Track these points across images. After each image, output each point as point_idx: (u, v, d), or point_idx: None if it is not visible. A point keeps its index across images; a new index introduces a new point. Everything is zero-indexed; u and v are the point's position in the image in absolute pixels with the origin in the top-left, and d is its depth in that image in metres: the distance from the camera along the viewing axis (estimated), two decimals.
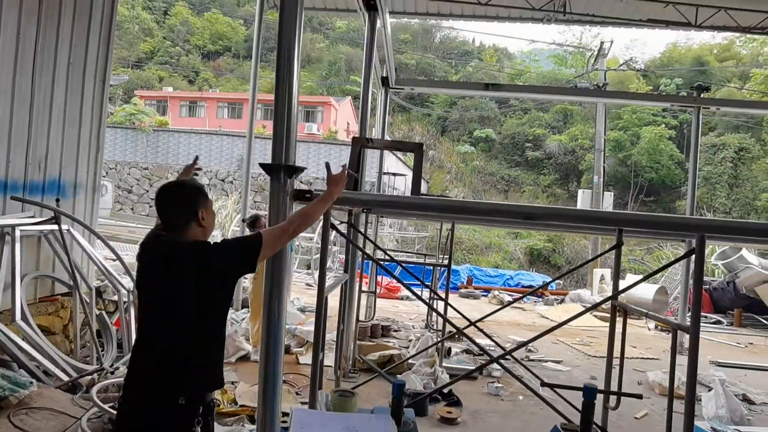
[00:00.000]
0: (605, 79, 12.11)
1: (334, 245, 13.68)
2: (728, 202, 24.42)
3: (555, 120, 32.42)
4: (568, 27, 29.55)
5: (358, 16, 6.16)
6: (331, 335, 5.65)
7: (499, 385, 5.65)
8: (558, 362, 7.21)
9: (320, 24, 43.64)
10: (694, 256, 2.70)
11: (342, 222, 3.93)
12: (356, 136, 3.02)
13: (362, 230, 6.87)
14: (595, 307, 3.21)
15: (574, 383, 6.27)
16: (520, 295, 13.26)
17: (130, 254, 10.12)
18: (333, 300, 3.51)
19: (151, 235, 2.19)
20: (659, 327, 10.30)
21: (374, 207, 3.05)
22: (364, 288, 6.96)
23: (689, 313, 11.73)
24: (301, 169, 2.46)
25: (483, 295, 13.26)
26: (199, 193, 2.10)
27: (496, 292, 12.91)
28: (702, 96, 8.24)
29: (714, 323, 11.61)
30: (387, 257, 6.11)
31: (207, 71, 41.34)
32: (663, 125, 26.66)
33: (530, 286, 13.76)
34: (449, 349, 6.99)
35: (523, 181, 30.83)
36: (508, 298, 12.45)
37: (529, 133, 31.90)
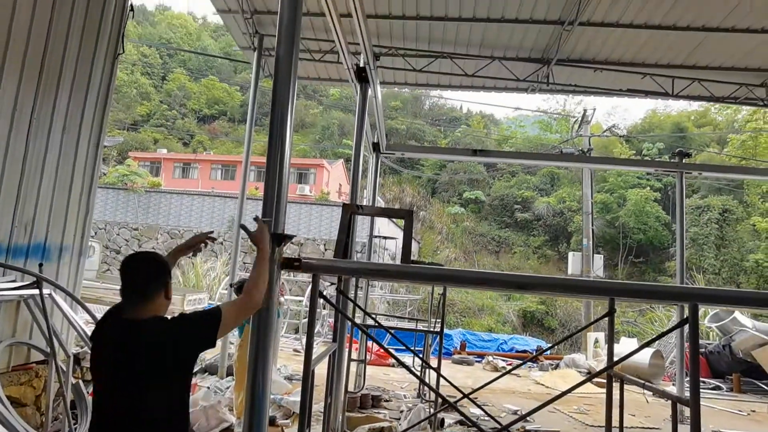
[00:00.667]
0: (590, 145, 12.52)
1: (324, 308, 13.44)
2: (717, 262, 24.59)
3: (542, 183, 33.12)
4: (551, 95, 30.94)
5: (351, 84, 6.39)
6: (318, 406, 5.41)
7: None
8: None
9: (314, 91, 45.29)
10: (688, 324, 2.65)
11: (332, 284, 3.87)
12: (346, 203, 3.04)
13: (353, 292, 6.77)
14: (592, 378, 3.11)
15: None
16: (517, 361, 12.97)
17: None
18: (321, 368, 3.38)
19: (107, 314, 2.13)
20: (655, 394, 10.00)
21: (364, 276, 3.01)
22: (354, 356, 6.75)
23: (687, 378, 11.47)
24: (290, 237, 2.43)
25: (477, 361, 12.92)
26: (167, 267, 2.12)
27: (490, 358, 12.60)
28: (684, 161, 8.49)
29: (713, 389, 11.32)
30: (376, 324, 5.96)
31: (202, 134, 42.24)
32: (648, 188, 27.31)
33: (524, 351, 13.47)
34: (442, 421, 6.70)
35: (513, 242, 30.97)
36: (502, 364, 12.15)
37: (518, 195, 32.46)
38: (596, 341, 13.03)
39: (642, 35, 7.95)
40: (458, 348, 13.61)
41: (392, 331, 4.54)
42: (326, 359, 3.42)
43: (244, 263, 19.88)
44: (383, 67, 9.11)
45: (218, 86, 45.47)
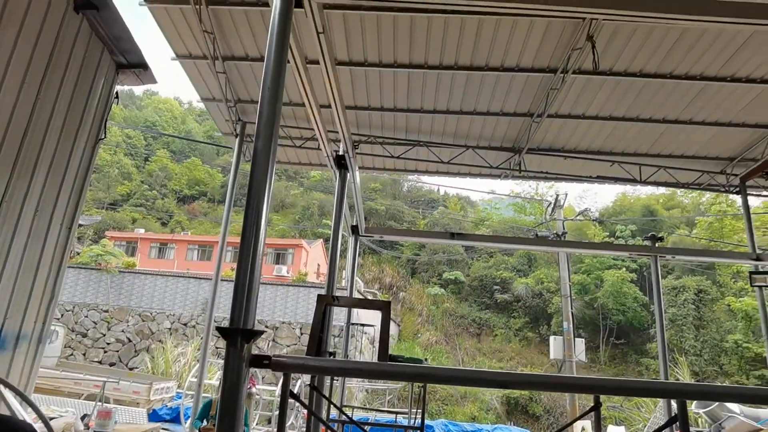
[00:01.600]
0: (564, 229, 12.82)
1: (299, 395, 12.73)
2: (697, 344, 24.52)
3: (520, 263, 33.40)
4: (524, 180, 32.10)
5: (331, 169, 6.51)
6: None
7: None
8: None
9: (295, 173, 46.21)
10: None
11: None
12: (321, 294, 2.95)
13: (328, 385, 6.44)
14: None
15: None
16: None
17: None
18: None
19: None
20: None
21: (338, 374, 2.85)
22: None
23: None
24: (260, 333, 2.32)
25: None
26: None
27: None
28: (657, 245, 8.68)
29: None
30: (350, 420, 5.62)
31: (181, 214, 42.13)
32: (624, 269, 27.73)
33: None
34: None
35: (494, 324, 30.57)
36: None
37: (497, 275, 32.55)
38: (583, 430, 12.49)
39: (608, 126, 8.42)
40: None
41: (368, 429, 4.25)
42: None
43: (217, 348, 19.04)
44: (362, 154, 9.38)
45: (200, 168, 46.13)
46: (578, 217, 20.70)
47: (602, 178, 9.66)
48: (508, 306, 31.09)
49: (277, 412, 11.71)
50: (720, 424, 11.52)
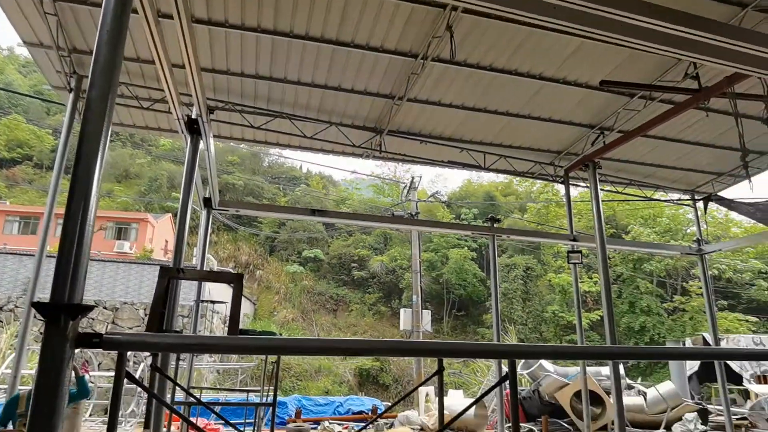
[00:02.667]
0: (417, 209, 13.61)
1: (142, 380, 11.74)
2: (524, 314, 28.03)
3: (376, 242, 34.68)
4: (384, 162, 33.22)
5: (182, 134, 5.99)
6: None
7: None
8: None
9: (142, 140, 41.82)
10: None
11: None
12: (165, 265, 2.69)
13: (174, 365, 6.02)
14: None
15: None
16: (353, 423, 12.77)
17: None
18: None
19: None
20: None
21: (182, 351, 2.66)
22: None
23: (508, 425, 12.49)
24: (89, 308, 2.04)
25: (313, 428, 12.41)
26: None
27: (327, 423, 12.21)
28: (495, 226, 9.64)
29: None
30: (198, 401, 5.34)
31: None
32: (466, 248, 30.40)
33: (360, 412, 13.36)
34: None
35: (350, 300, 31.42)
36: (338, 429, 11.85)
37: (355, 253, 33.37)
38: (427, 395, 13.54)
39: (460, 114, 9.02)
40: (293, 416, 12.95)
41: (217, 409, 4.07)
42: None
43: (41, 333, 16.63)
44: (218, 121, 8.81)
45: (23, 127, 39.23)
46: (430, 199, 22.15)
47: (453, 163, 10.37)
48: (364, 282, 32.16)
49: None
50: (539, 382, 13.37)
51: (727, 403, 10.77)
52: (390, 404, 16.19)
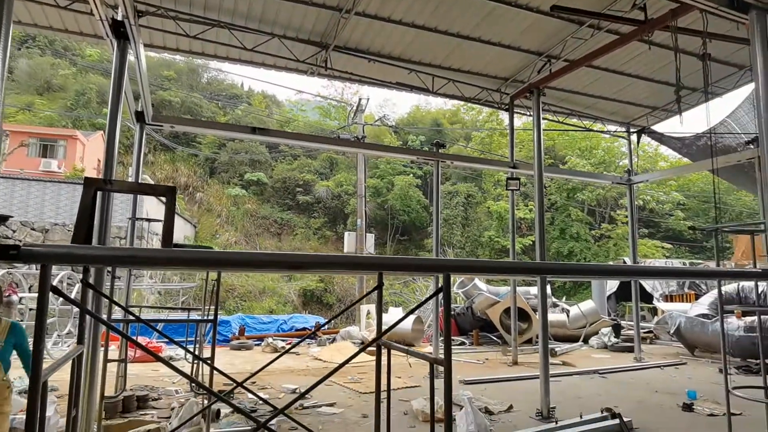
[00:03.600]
0: (363, 132, 13.40)
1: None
2: (462, 239, 29.20)
3: (322, 167, 34.26)
4: (330, 82, 32.09)
5: (107, 40, 5.44)
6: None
7: None
8: (332, 405, 7.24)
9: (65, 48, 37.80)
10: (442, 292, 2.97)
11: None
12: (90, 176, 2.52)
13: (109, 285, 5.87)
14: (364, 349, 3.30)
15: (347, 427, 6.36)
16: (297, 340, 13.19)
17: None
18: (67, 374, 2.82)
19: None
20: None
21: (109, 263, 2.57)
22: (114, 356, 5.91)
23: (442, 338, 13.35)
24: (4, 219, 1.89)
25: (257, 345, 12.75)
26: None
27: (270, 340, 12.55)
28: (440, 151, 9.71)
29: (459, 345, 13.43)
30: (136, 318, 5.28)
31: None
32: (411, 175, 30.70)
33: (304, 329, 13.81)
34: (218, 412, 6.38)
35: (295, 224, 31.38)
36: (281, 344, 12.22)
37: (300, 178, 32.90)
38: (368, 313, 14.13)
39: (410, 33, 8.71)
40: (237, 333, 13.20)
41: (160, 327, 4.05)
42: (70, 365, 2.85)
43: None
44: (149, 28, 8.07)
45: None
46: (377, 123, 21.87)
47: (401, 85, 10.15)
48: (309, 207, 32.04)
49: (52, 319, 10.30)
50: (472, 299, 14.21)
51: (637, 318, 11.97)
52: (330, 319, 16.80)
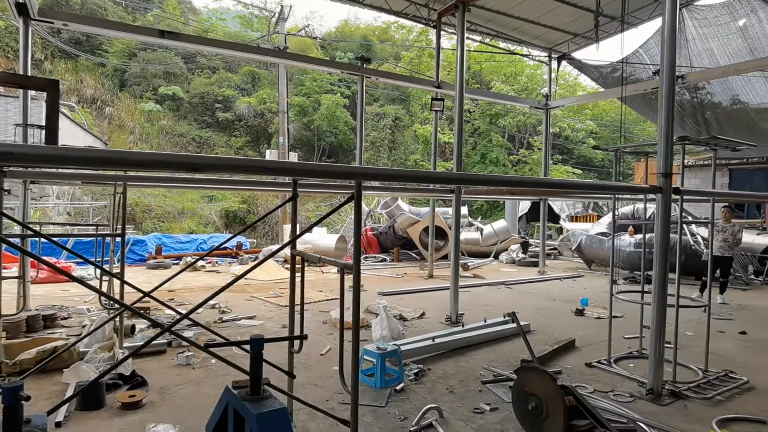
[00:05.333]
0: (285, 43, 12.64)
1: None
2: (389, 162, 29.38)
3: (244, 82, 32.32)
4: None
5: None
6: None
7: (189, 353, 5.40)
8: (251, 318, 7.37)
9: None
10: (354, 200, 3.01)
11: None
12: None
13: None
14: (272, 255, 3.33)
15: (266, 335, 6.54)
16: (217, 259, 13.03)
17: None
18: None
19: None
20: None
21: None
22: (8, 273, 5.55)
23: (365, 255, 13.74)
24: None
25: (175, 264, 12.47)
26: None
27: (189, 259, 12.31)
28: (365, 66, 9.44)
29: (381, 261, 13.94)
30: (35, 233, 4.93)
31: None
32: (339, 94, 29.82)
33: (225, 248, 13.64)
34: (132, 327, 6.30)
35: (215, 143, 29.92)
36: (201, 263, 12.05)
37: (219, 93, 30.93)
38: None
39: None
40: (153, 253, 12.81)
41: (58, 240, 3.80)
42: None
43: None
44: None
45: None
46: (300, 34, 20.66)
47: None
48: (230, 125, 30.50)
49: None
50: (394, 219, 14.61)
51: (543, 236, 12.95)
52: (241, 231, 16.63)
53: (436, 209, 13.05)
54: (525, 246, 14.99)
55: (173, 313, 5.30)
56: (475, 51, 22.06)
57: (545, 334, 6.83)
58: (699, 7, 11.71)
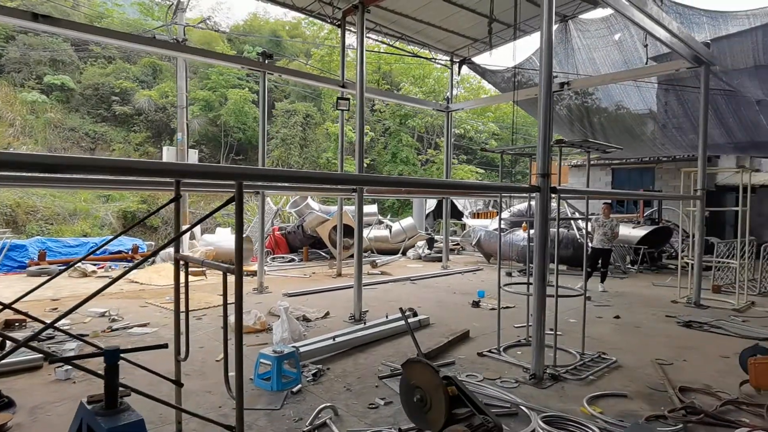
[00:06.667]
0: (185, 35, 12.01)
1: None
2: (300, 160, 28.99)
3: (144, 74, 30.28)
4: None
5: None
6: None
7: (68, 367, 4.99)
8: (144, 325, 6.96)
9: None
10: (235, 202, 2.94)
11: None
12: None
13: None
14: (148, 258, 3.15)
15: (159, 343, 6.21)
16: (111, 263, 12.15)
17: None
18: None
19: None
20: (245, 273, 11.36)
21: None
22: None
23: (272, 255, 13.43)
24: None
25: (63, 270, 11.42)
26: None
27: (79, 264, 11.35)
28: (267, 62, 9.23)
29: (289, 261, 13.74)
30: None
31: None
32: (247, 89, 28.89)
33: (119, 252, 12.73)
34: (2, 343, 5.70)
35: (112, 139, 27.75)
36: (92, 269, 11.17)
37: (116, 85, 28.72)
38: (192, 234, 13.51)
39: None
40: (36, 259, 11.65)
41: None
42: None
43: None
44: None
45: None
46: (200, 25, 19.73)
47: None
48: (128, 119, 28.44)
49: None
50: (303, 218, 14.46)
51: (446, 232, 13.49)
52: (155, 244, 15.76)
53: (347, 208, 13.12)
54: (431, 242, 15.51)
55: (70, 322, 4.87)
56: (384, 53, 22.42)
57: (443, 326, 7.12)
58: (583, 20, 12.78)
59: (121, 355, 2.62)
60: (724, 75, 10.76)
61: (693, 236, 9.40)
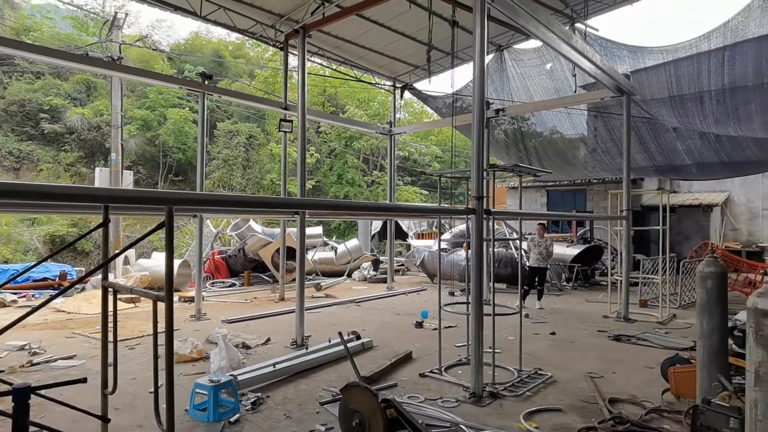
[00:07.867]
0: (120, 53, 11.60)
1: None
2: (243, 181, 28.44)
3: (76, 91, 28.90)
4: None
5: None
6: None
7: None
8: (70, 357, 6.53)
9: None
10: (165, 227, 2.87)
11: None
12: None
13: None
14: (75, 284, 3.00)
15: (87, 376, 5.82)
16: (34, 292, 11.37)
17: None
18: None
19: None
20: (182, 299, 10.94)
21: None
22: None
23: (211, 280, 13.01)
24: None
25: None
26: None
27: None
28: (207, 83, 9.09)
29: (230, 286, 13.35)
30: None
31: None
32: (187, 108, 28.18)
33: (45, 279, 11.91)
34: None
35: (40, 158, 26.17)
36: (12, 297, 10.39)
37: (45, 101, 27.22)
38: (126, 258, 12.90)
39: None
40: None
41: None
42: None
43: None
44: None
45: None
46: (137, 44, 19.16)
47: (164, 4, 9.05)
48: (58, 138, 26.94)
49: None
50: (245, 241, 14.15)
51: (391, 253, 13.60)
52: (88, 269, 14.87)
53: (290, 230, 12.95)
54: (376, 263, 15.56)
55: None
56: (328, 76, 22.60)
57: (387, 348, 7.13)
58: (517, 50, 13.48)
59: (38, 391, 2.46)
60: (644, 104, 11.65)
61: (621, 254, 9.98)
